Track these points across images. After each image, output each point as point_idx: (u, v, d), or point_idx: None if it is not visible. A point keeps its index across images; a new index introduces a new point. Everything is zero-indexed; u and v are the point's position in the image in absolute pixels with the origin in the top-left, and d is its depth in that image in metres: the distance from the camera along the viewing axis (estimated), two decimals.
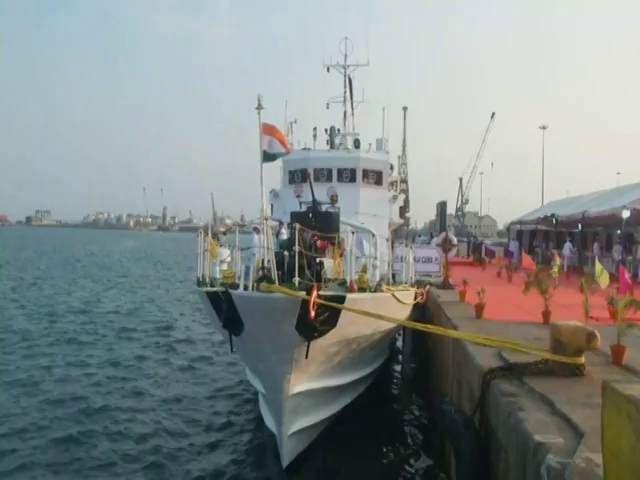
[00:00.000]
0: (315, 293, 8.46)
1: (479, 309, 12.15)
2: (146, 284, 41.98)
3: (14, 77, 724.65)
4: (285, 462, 9.78)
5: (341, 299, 9.15)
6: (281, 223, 13.90)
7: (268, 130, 9.69)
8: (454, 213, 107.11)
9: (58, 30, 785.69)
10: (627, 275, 11.98)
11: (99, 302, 31.39)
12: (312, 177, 18.00)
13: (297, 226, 9.50)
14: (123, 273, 50.70)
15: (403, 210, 24.54)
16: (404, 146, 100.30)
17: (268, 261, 9.01)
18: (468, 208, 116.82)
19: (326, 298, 8.85)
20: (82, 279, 43.97)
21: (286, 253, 10.08)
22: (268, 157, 9.86)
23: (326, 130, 23.21)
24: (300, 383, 9.58)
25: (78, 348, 19.56)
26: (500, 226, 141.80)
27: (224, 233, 12.47)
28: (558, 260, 18.77)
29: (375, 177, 21.64)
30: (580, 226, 30.76)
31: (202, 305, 11.46)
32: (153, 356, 18.82)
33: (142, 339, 21.69)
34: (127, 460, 10.43)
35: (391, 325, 11.96)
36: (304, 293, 8.46)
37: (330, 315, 9.00)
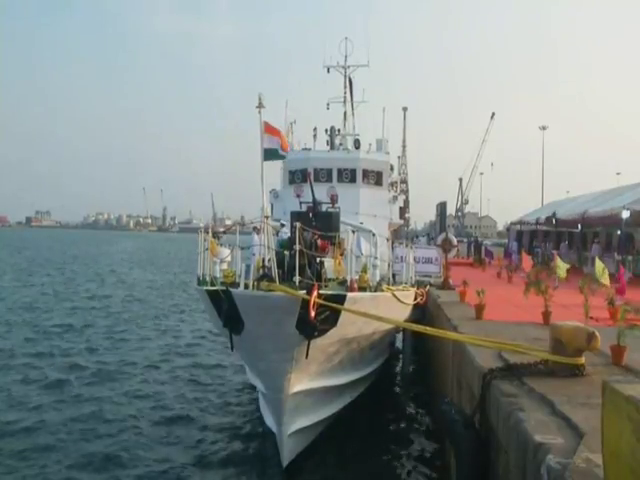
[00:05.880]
0: (315, 292, 8.48)
1: (479, 310, 12.15)
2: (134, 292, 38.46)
3: (14, 77, 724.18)
4: (285, 462, 9.78)
5: (341, 298, 9.16)
6: (282, 224, 13.85)
7: (269, 129, 9.69)
8: (454, 213, 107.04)
9: (58, 30, 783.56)
10: (625, 275, 12.03)
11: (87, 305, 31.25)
12: (312, 177, 18.00)
13: (297, 225, 9.50)
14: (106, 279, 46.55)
15: (403, 210, 24.51)
16: (404, 146, 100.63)
17: (269, 260, 9.01)
18: (468, 208, 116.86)
19: (326, 297, 8.86)
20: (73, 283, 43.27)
21: (286, 253, 10.08)
22: (269, 155, 9.83)
23: (326, 130, 23.17)
24: (300, 382, 9.59)
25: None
26: (500, 226, 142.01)
27: (224, 232, 12.44)
28: (559, 261, 18.70)
29: (375, 177, 21.62)
30: (580, 226, 30.79)
31: (202, 304, 11.46)
32: (151, 358, 18.82)
33: (138, 341, 21.72)
34: (125, 459, 10.43)
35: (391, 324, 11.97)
36: (304, 292, 8.47)
37: (330, 314, 9.01)
